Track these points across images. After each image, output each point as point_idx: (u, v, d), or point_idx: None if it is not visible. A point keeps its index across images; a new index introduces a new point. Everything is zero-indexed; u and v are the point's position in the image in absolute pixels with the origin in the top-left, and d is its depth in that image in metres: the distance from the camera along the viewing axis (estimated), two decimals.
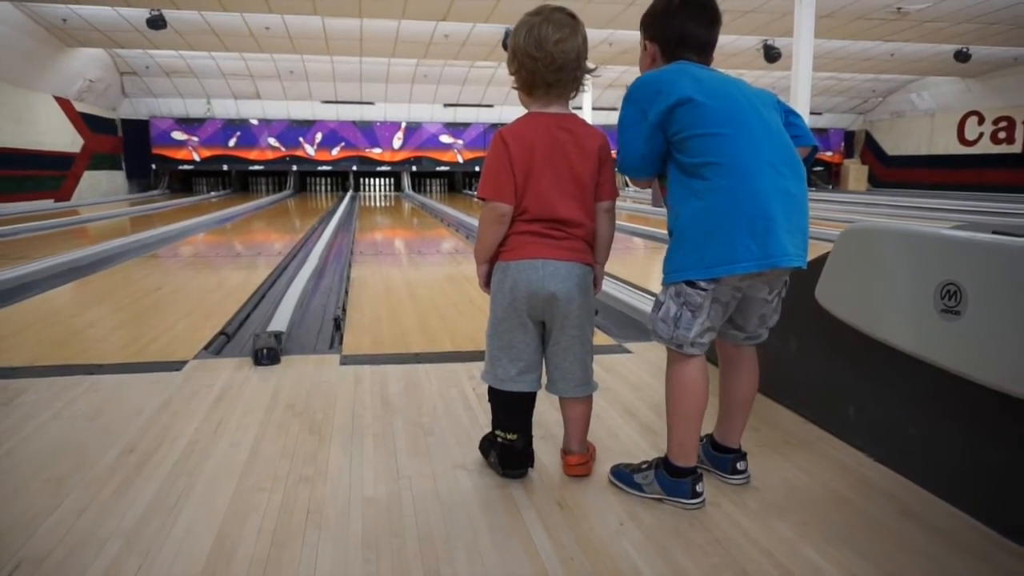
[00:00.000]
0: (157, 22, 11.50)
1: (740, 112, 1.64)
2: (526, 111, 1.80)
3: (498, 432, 1.84)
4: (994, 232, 1.68)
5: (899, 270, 1.70)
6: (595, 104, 15.19)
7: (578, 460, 1.86)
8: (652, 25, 1.79)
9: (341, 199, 16.26)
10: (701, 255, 1.60)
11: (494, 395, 1.84)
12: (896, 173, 20.66)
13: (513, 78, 1.79)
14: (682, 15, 1.74)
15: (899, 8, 10.91)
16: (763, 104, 1.69)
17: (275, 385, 2.60)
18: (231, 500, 1.71)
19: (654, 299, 1.76)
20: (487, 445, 1.92)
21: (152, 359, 2.97)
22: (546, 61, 1.70)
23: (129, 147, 17.53)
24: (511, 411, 1.83)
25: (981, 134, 17.92)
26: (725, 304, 1.69)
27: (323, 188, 20.35)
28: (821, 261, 2.01)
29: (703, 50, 1.76)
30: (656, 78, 1.67)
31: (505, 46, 11.54)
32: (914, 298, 1.63)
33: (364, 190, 20.19)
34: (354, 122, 19.11)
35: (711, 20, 1.76)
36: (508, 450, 1.83)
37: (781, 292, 1.76)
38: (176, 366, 2.84)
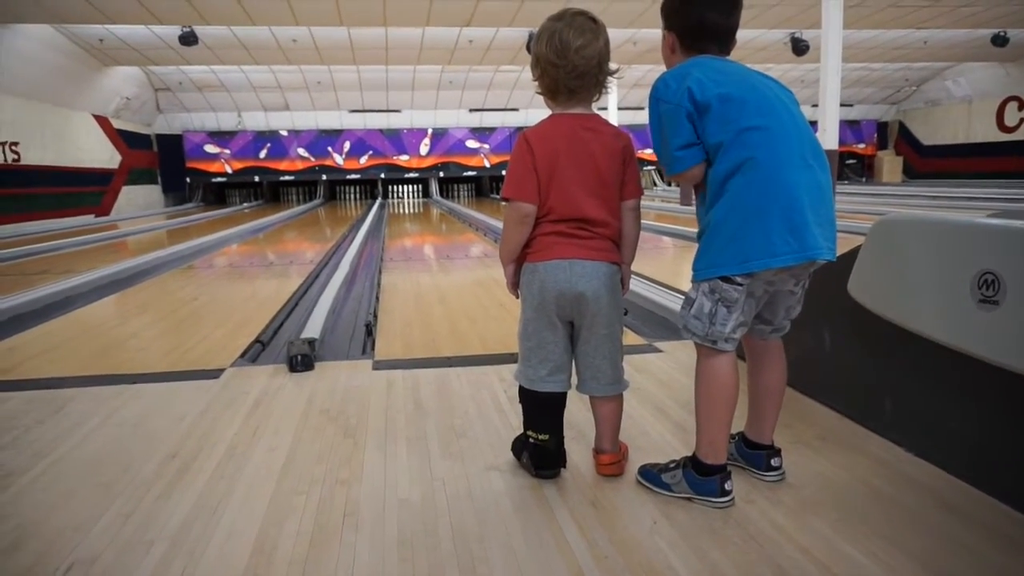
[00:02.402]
0: (189, 38, 11.80)
1: (769, 105, 1.62)
2: (550, 112, 1.82)
3: (530, 433, 1.85)
4: None
5: (934, 261, 1.67)
6: (620, 104, 15.12)
7: (611, 459, 1.86)
8: (671, 14, 1.76)
9: (370, 207, 16.44)
10: (737, 249, 1.58)
11: (525, 396, 1.85)
12: (933, 163, 20.17)
13: (536, 83, 1.80)
14: (701, 3, 1.70)
15: None
16: (785, 95, 1.68)
17: (310, 391, 2.65)
18: (270, 503, 1.75)
19: (684, 297, 1.75)
20: (519, 446, 1.93)
21: (191, 367, 3.05)
22: (568, 68, 1.70)
23: (164, 162, 17.99)
24: (542, 411, 1.84)
25: (1022, 119, 17.40)
26: (758, 299, 1.68)
27: (352, 196, 20.61)
28: (853, 254, 1.98)
29: (724, 39, 1.72)
30: (681, 74, 1.64)
31: (529, 49, 11.53)
32: (951, 289, 1.60)
33: (392, 197, 20.39)
34: (381, 130, 19.32)
35: (732, 6, 1.71)
36: (540, 450, 1.84)
37: (805, 284, 1.75)
38: (214, 374, 2.91)
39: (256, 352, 3.32)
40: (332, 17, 10.70)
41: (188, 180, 18.60)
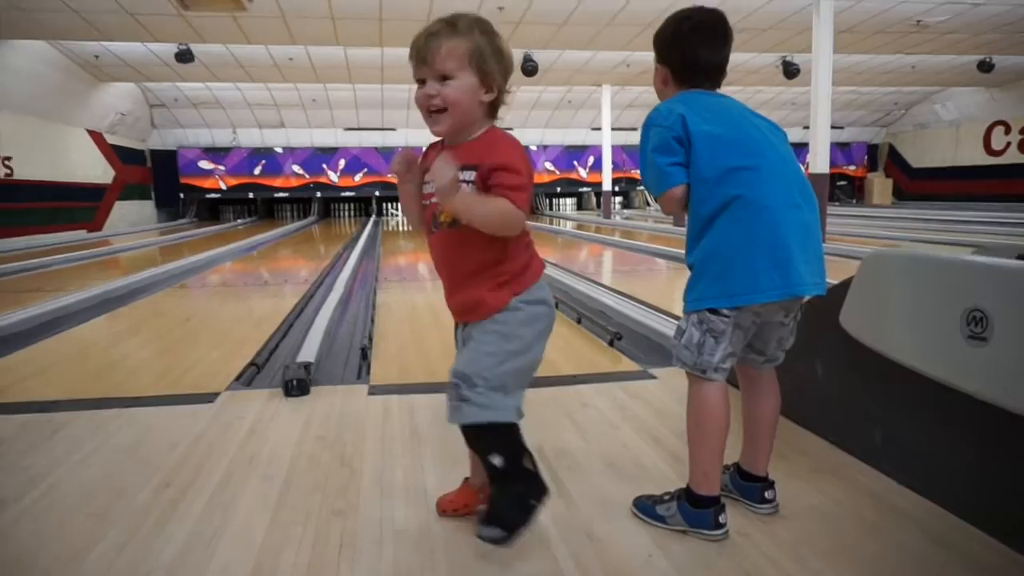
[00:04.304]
0: (185, 56, 11.85)
1: (756, 144, 1.66)
2: (487, 127, 1.73)
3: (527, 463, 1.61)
4: (1019, 256, 1.68)
5: (923, 296, 1.70)
6: (614, 124, 15.26)
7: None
8: (662, 49, 1.80)
9: (364, 224, 16.46)
10: (724, 285, 1.63)
11: (509, 432, 1.57)
12: (922, 185, 20.41)
13: (487, 99, 1.69)
14: (692, 39, 1.74)
15: (919, 21, 10.86)
16: (773, 134, 1.72)
17: (305, 416, 2.65)
18: (266, 534, 1.75)
19: (676, 326, 1.78)
20: (518, 498, 1.57)
21: (185, 391, 3.05)
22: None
23: (158, 177, 18.00)
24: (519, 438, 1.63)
25: (1008, 144, 17.66)
26: (746, 330, 1.71)
27: (347, 214, 20.64)
28: (845, 286, 2.01)
29: (714, 74, 1.77)
30: (672, 109, 1.68)
31: (525, 70, 11.57)
32: (940, 324, 1.63)
33: (387, 215, 20.42)
34: (376, 148, 19.39)
35: (722, 41, 1.76)
36: (537, 476, 1.62)
37: (797, 316, 1.78)
38: (209, 398, 2.90)
39: (251, 375, 3.31)
40: (329, 37, 10.78)
41: (182, 196, 18.60)
